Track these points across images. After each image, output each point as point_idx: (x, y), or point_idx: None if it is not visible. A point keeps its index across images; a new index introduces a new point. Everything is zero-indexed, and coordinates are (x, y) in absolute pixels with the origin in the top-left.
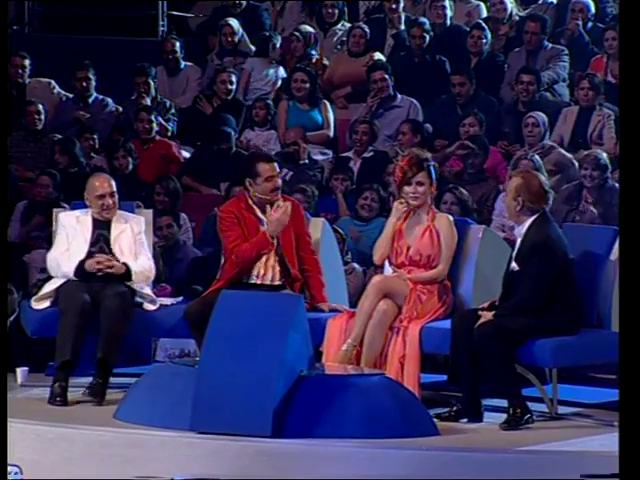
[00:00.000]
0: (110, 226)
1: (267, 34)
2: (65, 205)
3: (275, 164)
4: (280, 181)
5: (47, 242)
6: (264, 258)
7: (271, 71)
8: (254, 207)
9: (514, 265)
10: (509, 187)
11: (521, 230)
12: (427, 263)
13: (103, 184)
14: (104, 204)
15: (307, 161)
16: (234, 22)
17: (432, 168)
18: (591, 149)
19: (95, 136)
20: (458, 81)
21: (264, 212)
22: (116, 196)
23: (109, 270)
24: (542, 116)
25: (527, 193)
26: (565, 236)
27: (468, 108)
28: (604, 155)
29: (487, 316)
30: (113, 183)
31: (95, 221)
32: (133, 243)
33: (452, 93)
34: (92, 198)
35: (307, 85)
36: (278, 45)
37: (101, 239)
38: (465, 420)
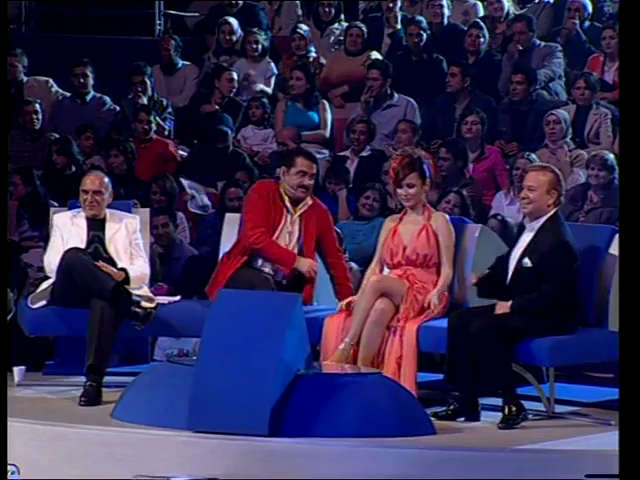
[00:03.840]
0: (104, 226)
1: (244, 33)
2: (54, 203)
3: (314, 164)
4: (309, 182)
5: (43, 241)
6: None
7: (259, 70)
8: (284, 195)
9: (526, 261)
10: (539, 181)
11: (535, 225)
12: (424, 262)
13: (93, 181)
14: (86, 199)
15: None
16: (233, 21)
17: (425, 167)
18: (588, 148)
19: (95, 135)
20: (451, 71)
21: (292, 205)
22: (103, 195)
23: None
24: (563, 113)
25: (560, 187)
26: None
27: (459, 101)
28: (611, 156)
29: (504, 307)
30: (104, 182)
31: (89, 221)
32: (128, 244)
33: (447, 90)
34: (80, 192)
35: (304, 83)
36: (266, 44)
37: (96, 240)
38: (462, 419)
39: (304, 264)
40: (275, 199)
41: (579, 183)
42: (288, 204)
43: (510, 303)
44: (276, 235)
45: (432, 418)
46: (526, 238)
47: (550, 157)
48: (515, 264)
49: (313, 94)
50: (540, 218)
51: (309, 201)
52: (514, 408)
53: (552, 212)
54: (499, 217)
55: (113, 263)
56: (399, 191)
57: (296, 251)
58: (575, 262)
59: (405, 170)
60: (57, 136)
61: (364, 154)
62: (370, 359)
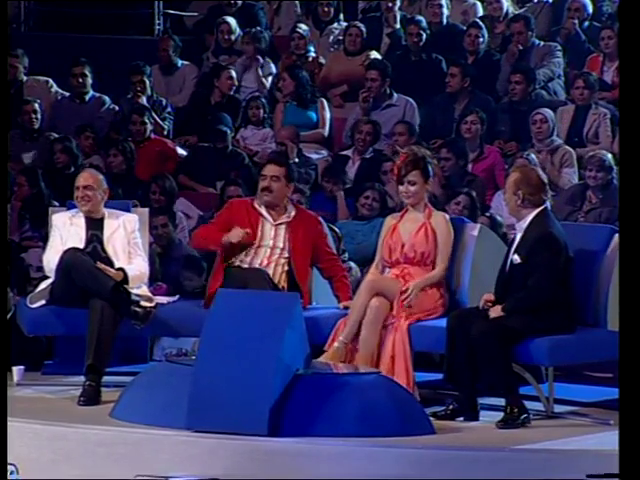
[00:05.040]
0: (103, 226)
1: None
2: (56, 203)
3: (275, 166)
4: (268, 184)
5: (43, 241)
6: (272, 264)
7: (254, 69)
8: (259, 208)
9: (515, 257)
10: (508, 183)
11: (522, 225)
12: (421, 260)
13: (86, 177)
14: (77, 196)
15: (297, 160)
16: (232, 20)
17: (429, 166)
18: (586, 147)
19: (95, 135)
20: (450, 72)
21: (271, 212)
22: (95, 191)
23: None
24: (549, 112)
25: (526, 186)
26: None
27: (458, 101)
28: (609, 156)
29: (497, 310)
30: (96, 178)
31: (88, 220)
32: (127, 243)
33: (447, 90)
34: (74, 190)
35: (291, 83)
36: (265, 43)
37: (94, 239)
38: (461, 419)
39: (232, 234)
40: (249, 210)
41: (576, 183)
42: (265, 213)
43: (502, 306)
44: (257, 244)
45: (431, 418)
46: (517, 237)
47: (537, 156)
48: (503, 263)
49: (304, 94)
50: (527, 217)
51: (292, 211)
52: (516, 410)
53: (539, 209)
54: (487, 214)
55: (110, 262)
56: (400, 188)
57: (281, 263)
58: (562, 254)
59: (408, 167)
60: (56, 135)
61: (367, 156)
62: (369, 357)
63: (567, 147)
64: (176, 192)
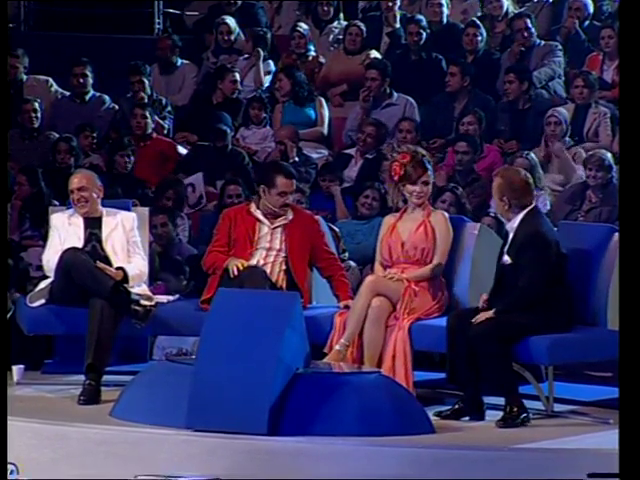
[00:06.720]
0: (101, 224)
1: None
2: (56, 202)
3: (294, 181)
4: (291, 198)
5: (43, 240)
6: (269, 265)
7: (254, 68)
8: (255, 213)
9: (506, 258)
10: (493, 188)
11: (512, 225)
12: (422, 258)
13: (80, 179)
14: (73, 199)
15: (297, 159)
16: (231, 20)
17: (430, 165)
18: (586, 146)
19: (95, 134)
20: (450, 71)
21: (269, 218)
22: (89, 192)
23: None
24: (564, 113)
25: (510, 191)
26: (560, 234)
27: (458, 101)
28: (609, 155)
29: (488, 314)
30: (90, 179)
31: (86, 219)
32: (126, 242)
33: (447, 89)
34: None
35: (287, 83)
36: (265, 41)
37: (93, 238)
38: (467, 418)
39: (230, 266)
40: (243, 217)
41: (576, 183)
42: (262, 217)
43: (493, 311)
44: (253, 248)
45: (436, 417)
46: (509, 239)
47: (546, 156)
48: (497, 264)
49: (301, 93)
50: (515, 218)
51: (289, 215)
52: (515, 409)
53: (528, 209)
54: (492, 214)
55: (109, 262)
56: (413, 188)
57: (279, 262)
58: (551, 251)
59: (419, 169)
60: (57, 135)
61: (369, 156)
62: (376, 357)
63: (577, 147)
64: (184, 196)
